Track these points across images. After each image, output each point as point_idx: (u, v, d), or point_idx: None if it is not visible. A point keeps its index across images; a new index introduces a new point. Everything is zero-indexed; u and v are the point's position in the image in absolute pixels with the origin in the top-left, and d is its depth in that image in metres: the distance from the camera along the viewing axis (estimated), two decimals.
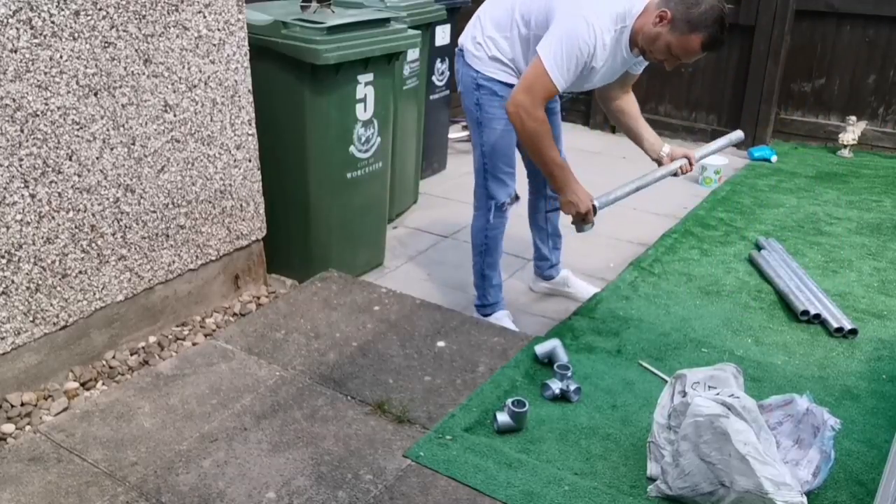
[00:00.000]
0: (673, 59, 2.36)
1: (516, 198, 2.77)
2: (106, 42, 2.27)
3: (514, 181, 2.74)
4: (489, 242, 2.81)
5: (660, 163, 2.72)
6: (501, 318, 2.90)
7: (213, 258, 2.83)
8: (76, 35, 2.19)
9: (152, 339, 2.65)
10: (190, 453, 2.05)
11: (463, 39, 2.69)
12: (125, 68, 2.34)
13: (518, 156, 2.78)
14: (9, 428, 2.18)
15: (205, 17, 2.56)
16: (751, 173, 4.69)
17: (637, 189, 2.59)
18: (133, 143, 2.43)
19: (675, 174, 2.68)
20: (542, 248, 3.12)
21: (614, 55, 2.41)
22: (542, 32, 2.41)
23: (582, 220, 2.51)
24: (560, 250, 3.15)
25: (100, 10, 2.23)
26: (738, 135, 2.91)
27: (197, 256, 2.76)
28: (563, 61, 2.29)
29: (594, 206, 2.48)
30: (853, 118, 4.94)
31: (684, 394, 2.03)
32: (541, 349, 2.51)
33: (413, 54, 3.71)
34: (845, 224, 3.88)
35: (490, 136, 2.65)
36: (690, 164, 2.68)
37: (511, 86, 2.55)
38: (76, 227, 2.33)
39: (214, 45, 2.62)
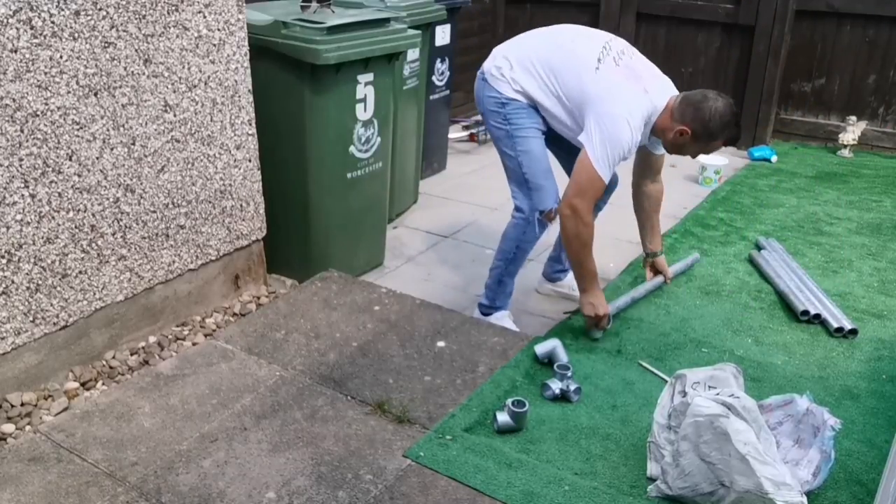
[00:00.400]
0: (697, 154, 2.64)
1: (554, 213, 2.76)
2: (106, 42, 2.27)
3: (555, 183, 2.74)
4: (518, 253, 2.82)
5: (646, 259, 3.08)
6: (501, 318, 2.90)
7: (213, 258, 2.84)
8: (76, 35, 2.19)
9: (152, 339, 2.65)
10: (190, 453, 2.05)
11: (487, 66, 2.73)
12: (125, 68, 2.34)
13: (553, 157, 2.81)
14: (9, 428, 2.19)
15: (205, 17, 2.56)
16: (751, 173, 4.69)
17: (633, 300, 2.95)
18: (133, 143, 2.43)
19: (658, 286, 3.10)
20: (561, 251, 3.13)
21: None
22: (568, 101, 2.58)
23: (595, 325, 2.70)
24: None
25: (100, 10, 2.23)
26: (695, 257, 3.38)
27: (197, 256, 2.76)
28: (608, 160, 2.48)
29: (609, 316, 2.70)
30: (853, 118, 4.93)
31: (684, 394, 2.03)
32: (541, 349, 2.51)
33: (413, 54, 3.71)
34: (845, 224, 3.88)
35: (525, 143, 2.68)
36: (666, 281, 3.09)
37: (533, 108, 2.67)
38: (76, 227, 2.33)
39: (214, 45, 2.62)
